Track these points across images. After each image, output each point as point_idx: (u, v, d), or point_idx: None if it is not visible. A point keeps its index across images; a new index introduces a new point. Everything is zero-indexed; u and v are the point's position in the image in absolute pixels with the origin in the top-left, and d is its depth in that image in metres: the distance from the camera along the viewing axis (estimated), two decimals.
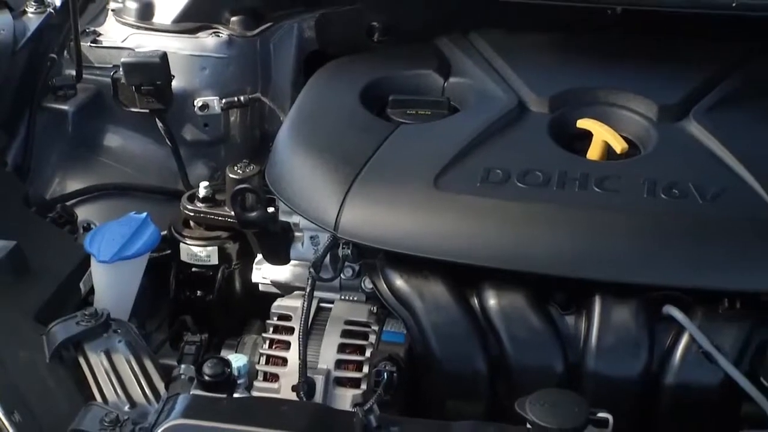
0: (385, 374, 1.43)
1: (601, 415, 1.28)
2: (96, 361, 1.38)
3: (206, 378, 1.32)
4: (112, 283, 1.59)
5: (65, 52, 2.06)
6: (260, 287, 1.70)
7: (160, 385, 1.35)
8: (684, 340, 1.43)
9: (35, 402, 1.33)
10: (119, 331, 1.43)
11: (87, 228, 1.82)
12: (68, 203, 1.87)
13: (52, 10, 2.05)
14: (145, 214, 1.65)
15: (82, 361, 1.39)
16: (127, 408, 1.31)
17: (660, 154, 1.57)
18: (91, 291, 1.62)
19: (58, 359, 1.39)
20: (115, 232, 1.60)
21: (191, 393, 1.32)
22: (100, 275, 1.59)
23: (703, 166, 1.53)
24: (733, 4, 1.69)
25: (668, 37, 1.84)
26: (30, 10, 2.04)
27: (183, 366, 1.43)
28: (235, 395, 1.38)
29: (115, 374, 1.36)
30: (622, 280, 1.44)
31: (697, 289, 1.44)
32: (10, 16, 1.99)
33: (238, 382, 1.40)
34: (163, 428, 1.21)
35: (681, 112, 1.64)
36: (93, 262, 1.59)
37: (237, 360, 1.43)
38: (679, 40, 1.84)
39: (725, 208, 1.45)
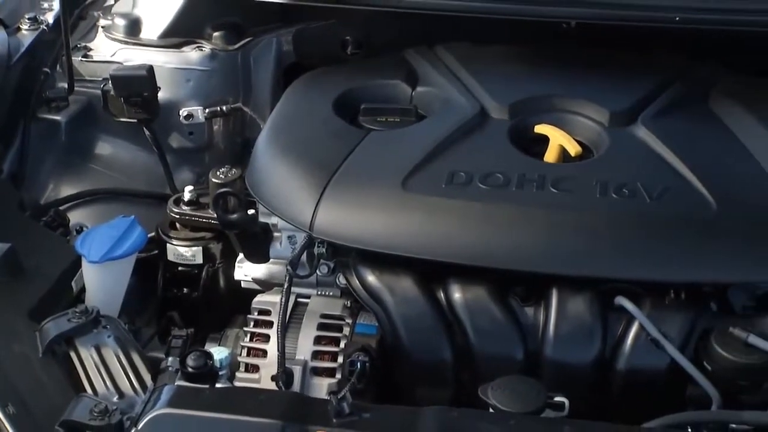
0: (359, 364, 1.43)
1: (557, 399, 1.29)
2: (86, 355, 1.36)
3: (190, 370, 1.32)
4: (102, 282, 1.58)
5: (58, 66, 2.04)
6: (242, 284, 1.69)
7: (147, 377, 1.34)
8: (634, 329, 1.43)
9: (29, 395, 1.31)
10: (108, 327, 1.41)
11: (80, 230, 1.79)
12: (61, 208, 1.85)
13: (45, 27, 2.04)
14: (132, 217, 1.63)
15: (73, 355, 1.37)
16: (115, 399, 1.29)
17: (611, 157, 1.58)
18: (83, 290, 1.59)
19: (51, 354, 1.38)
20: (104, 234, 1.58)
21: (176, 384, 1.32)
22: (90, 275, 1.58)
23: (651, 168, 1.54)
24: (677, 18, 1.70)
25: (619, 49, 1.85)
26: (24, 27, 2.03)
27: (170, 359, 1.42)
28: (217, 385, 1.38)
29: (104, 367, 1.34)
30: (577, 273, 1.44)
31: (646, 282, 1.44)
32: (5, 33, 1.97)
33: (220, 373, 1.40)
34: (149, 417, 1.20)
35: (630, 117, 1.64)
36: (84, 262, 1.57)
37: (219, 353, 1.42)
38: (629, 51, 1.84)
39: (670, 206, 1.45)
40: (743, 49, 1.81)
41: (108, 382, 1.32)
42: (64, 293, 1.56)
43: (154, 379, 1.35)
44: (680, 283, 1.43)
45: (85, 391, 1.32)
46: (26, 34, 2.01)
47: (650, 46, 1.84)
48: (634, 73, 1.78)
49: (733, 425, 1.28)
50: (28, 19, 2.04)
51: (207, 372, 1.32)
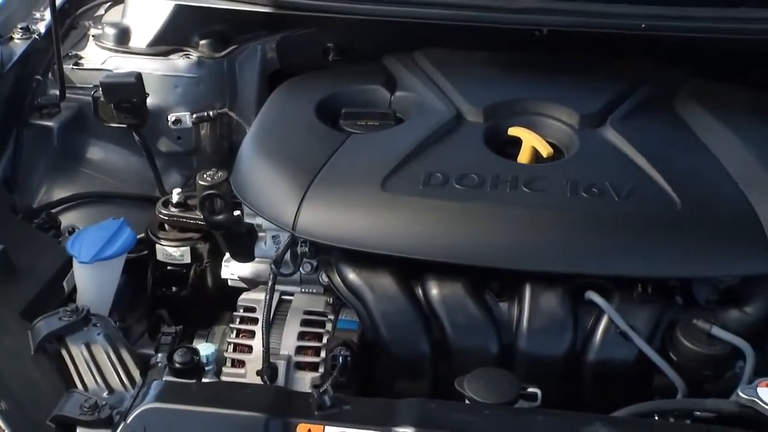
0: (340, 358, 1.43)
1: (530, 390, 1.30)
2: (77, 352, 1.35)
3: (177, 365, 1.31)
4: (93, 281, 1.57)
5: (49, 74, 2.02)
6: (229, 282, 1.68)
7: (136, 373, 1.33)
8: (603, 322, 1.44)
9: (21, 391, 1.31)
10: (98, 325, 1.40)
11: (71, 232, 1.78)
12: (53, 210, 1.83)
13: (37, 37, 2.01)
14: (122, 218, 1.63)
15: (64, 352, 1.36)
16: (105, 394, 1.29)
17: (581, 158, 1.58)
18: (74, 289, 1.58)
19: (43, 352, 1.37)
20: (94, 236, 1.57)
21: (163, 379, 1.31)
22: (81, 275, 1.57)
23: (619, 168, 1.54)
24: (642, 26, 1.71)
25: (588, 54, 1.85)
26: (17, 36, 2.00)
27: (160, 355, 1.42)
28: (204, 380, 1.37)
29: (94, 364, 1.34)
30: (548, 269, 1.44)
31: (614, 277, 1.45)
32: None
33: (207, 368, 1.39)
34: (137, 412, 1.20)
35: (599, 119, 1.65)
36: (75, 262, 1.56)
37: (205, 349, 1.42)
38: (598, 57, 1.85)
39: (637, 204, 1.46)
40: (706, 55, 1.82)
41: (98, 378, 1.31)
42: (55, 293, 1.55)
43: (143, 374, 1.34)
44: (647, 278, 1.44)
45: (75, 387, 1.31)
46: (19, 44, 1.99)
47: (618, 51, 1.84)
48: (603, 77, 1.78)
49: (697, 413, 1.29)
50: (21, 28, 2.02)
51: (193, 367, 1.31)
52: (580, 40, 1.81)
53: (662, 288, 1.45)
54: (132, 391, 1.28)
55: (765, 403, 1.21)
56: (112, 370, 1.33)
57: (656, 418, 1.29)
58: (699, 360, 1.37)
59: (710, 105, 1.68)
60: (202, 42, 2.01)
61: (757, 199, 1.46)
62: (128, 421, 1.19)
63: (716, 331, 1.37)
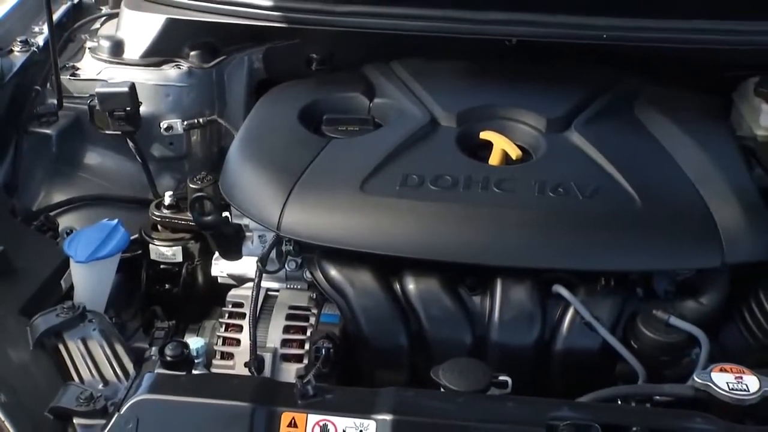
0: (323, 350, 1.42)
1: (502, 378, 1.30)
2: (73, 347, 1.34)
3: (168, 359, 1.30)
4: (89, 280, 1.55)
5: (48, 84, 2.01)
6: (218, 280, 1.67)
7: (130, 366, 1.32)
8: (570, 313, 1.44)
9: (20, 384, 1.29)
10: (94, 320, 1.39)
11: (69, 233, 1.76)
12: (52, 213, 1.82)
13: (36, 49, 2.01)
14: (116, 220, 1.61)
15: (61, 347, 1.35)
16: (100, 386, 1.28)
17: (548, 159, 1.58)
18: (71, 287, 1.57)
19: (41, 347, 1.35)
20: (90, 237, 1.55)
21: (155, 372, 1.30)
22: (77, 274, 1.55)
23: (583, 169, 1.55)
24: (604, 36, 1.72)
25: (554, 63, 1.86)
26: (16, 49, 1.99)
27: (153, 348, 1.41)
28: (195, 372, 1.36)
29: (90, 358, 1.33)
30: (518, 265, 1.44)
31: (579, 271, 1.45)
32: None
33: (196, 361, 1.38)
34: (131, 402, 1.19)
35: (565, 124, 1.65)
36: (71, 262, 1.54)
37: (195, 342, 1.41)
38: (564, 65, 1.85)
39: (600, 203, 1.46)
40: (663, 63, 1.83)
41: (93, 371, 1.30)
42: (53, 291, 1.53)
43: (137, 367, 1.33)
44: (610, 272, 1.44)
45: (72, 380, 1.30)
46: (18, 56, 1.98)
47: (582, 60, 1.84)
48: (568, 84, 1.78)
49: (657, 397, 1.29)
50: (20, 41, 2.00)
51: (184, 360, 1.30)
52: (547, 50, 1.81)
53: (624, 281, 1.45)
54: (126, 384, 1.27)
55: (718, 387, 1.22)
56: (107, 364, 1.32)
57: (619, 402, 1.30)
58: (658, 348, 1.38)
59: (667, 110, 1.69)
60: (192, 53, 2.00)
61: (710, 198, 1.47)
62: (122, 412, 1.18)
63: (674, 320, 1.38)
